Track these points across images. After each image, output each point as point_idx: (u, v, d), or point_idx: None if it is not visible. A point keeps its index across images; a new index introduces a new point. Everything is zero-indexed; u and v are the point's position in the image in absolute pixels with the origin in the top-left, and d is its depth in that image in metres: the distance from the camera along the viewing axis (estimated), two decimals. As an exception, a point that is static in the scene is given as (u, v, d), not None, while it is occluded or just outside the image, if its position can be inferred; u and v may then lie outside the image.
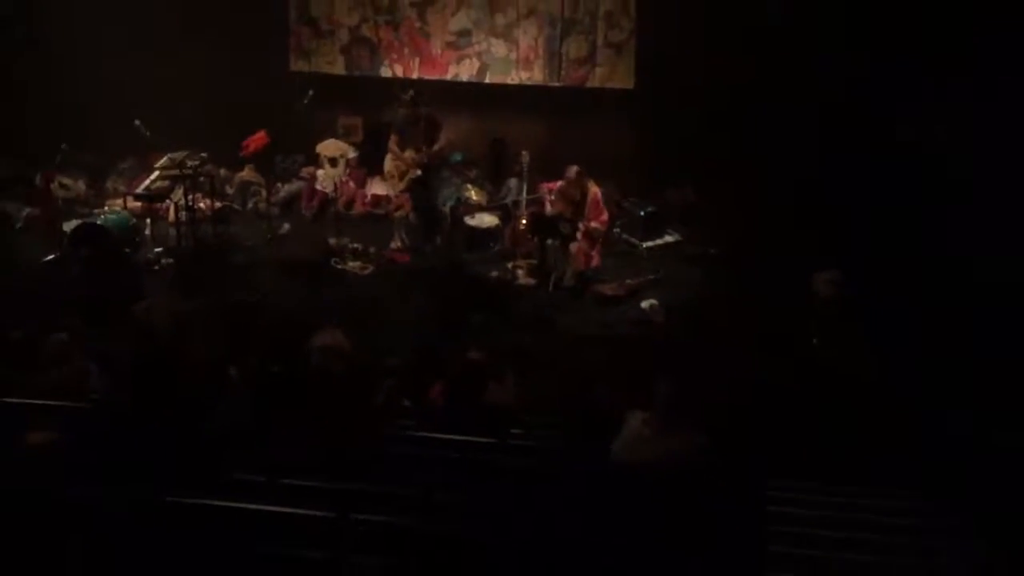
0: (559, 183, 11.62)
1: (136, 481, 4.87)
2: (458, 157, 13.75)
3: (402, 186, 12.23)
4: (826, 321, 8.61)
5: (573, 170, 11.37)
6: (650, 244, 12.25)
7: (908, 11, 10.83)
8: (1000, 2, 9.98)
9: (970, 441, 7.31)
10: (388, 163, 12.32)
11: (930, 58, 10.59)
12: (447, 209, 12.86)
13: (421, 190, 12.13)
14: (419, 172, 11.94)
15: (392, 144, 12.13)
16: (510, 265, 11.83)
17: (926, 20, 10.59)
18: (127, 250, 11.75)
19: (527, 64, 14.51)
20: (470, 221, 12.53)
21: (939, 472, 7.07)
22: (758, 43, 11.99)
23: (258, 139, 13.44)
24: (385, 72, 14.90)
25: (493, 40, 14.50)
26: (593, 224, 11.35)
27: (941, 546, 6.10)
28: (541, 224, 11.48)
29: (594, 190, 11.39)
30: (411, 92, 12.03)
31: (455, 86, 14.63)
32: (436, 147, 11.90)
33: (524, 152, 12.39)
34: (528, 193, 12.24)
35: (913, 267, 9.88)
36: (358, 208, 13.41)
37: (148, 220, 12.38)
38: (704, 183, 12.84)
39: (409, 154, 11.92)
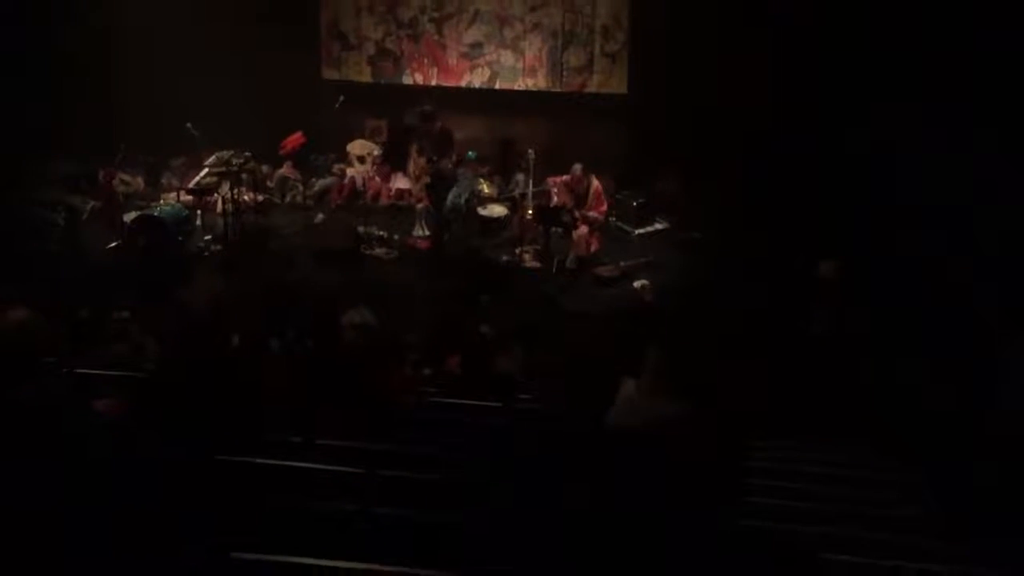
0: (564, 177, 11.64)
1: (188, 442, 4.89)
2: (471, 155, 13.72)
3: (418, 187, 12.30)
4: (828, 300, 8.67)
5: (578, 167, 11.44)
6: (642, 231, 12.24)
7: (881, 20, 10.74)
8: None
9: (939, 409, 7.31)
10: (411, 164, 12.45)
11: (900, 61, 10.49)
12: (462, 201, 12.87)
13: (432, 194, 12.13)
14: (428, 179, 11.96)
15: (413, 149, 12.19)
16: (518, 250, 11.83)
17: (898, 28, 10.48)
18: (180, 238, 11.77)
19: (532, 72, 14.51)
20: (482, 211, 12.55)
21: (906, 433, 7.09)
22: (737, 51, 11.97)
23: (295, 139, 13.49)
24: (407, 80, 14.91)
25: (502, 51, 14.51)
26: (593, 214, 11.39)
27: (900, 497, 6.11)
28: (546, 214, 11.50)
29: (596, 184, 11.46)
30: (428, 107, 12.00)
31: (469, 92, 14.66)
32: (443, 161, 11.87)
33: (530, 150, 12.37)
34: (534, 186, 12.23)
35: (873, 253, 9.84)
36: (383, 200, 13.40)
37: (199, 212, 12.42)
38: (689, 177, 12.83)
39: (422, 161, 11.97)
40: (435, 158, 11.86)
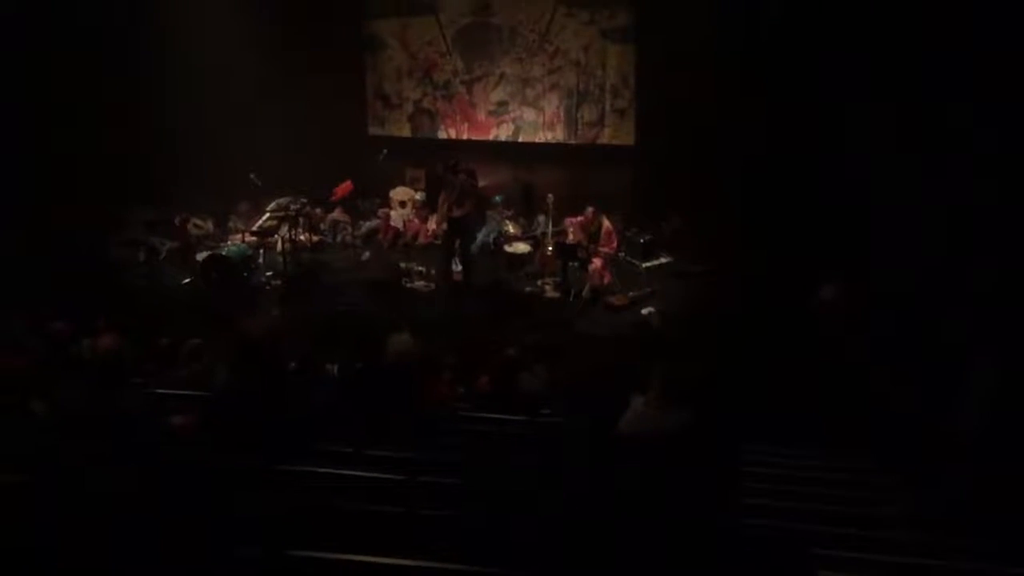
0: (579, 218, 11.64)
1: (252, 452, 4.91)
2: (498, 199, 13.79)
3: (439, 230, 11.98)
4: (830, 322, 8.60)
5: (590, 210, 11.46)
6: (648, 265, 12.19)
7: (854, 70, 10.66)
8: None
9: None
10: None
11: (887, 105, 10.34)
12: (491, 239, 12.90)
13: (447, 239, 11.80)
14: (445, 226, 11.61)
15: (441, 197, 11.93)
16: (540, 282, 11.84)
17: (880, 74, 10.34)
18: (245, 275, 11.83)
19: (551, 126, 14.59)
20: (508, 248, 12.56)
21: (888, 440, 7.03)
22: (729, 107, 11.96)
23: (345, 187, 13.59)
24: (442, 135, 15.05)
25: (524, 108, 14.62)
26: (605, 250, 11.39)
27: (881, 497, 6.05)
28: (564, 251, 11.49)
29: (607, 224, 11.45)
30: (451, 162, 11.74)
31: (496, 144, 14.76)
32: (458, 212, 11.44)
33: (549, 195, 12.40)
34: (553, 226, 12.25)
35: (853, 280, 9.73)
36: (422, 240, 13.40)
37: (261, 251, 12.49)
38: (689, 218, 12.83)
39: (444, 208, 11.66)
40: (450, 206, 11.48)
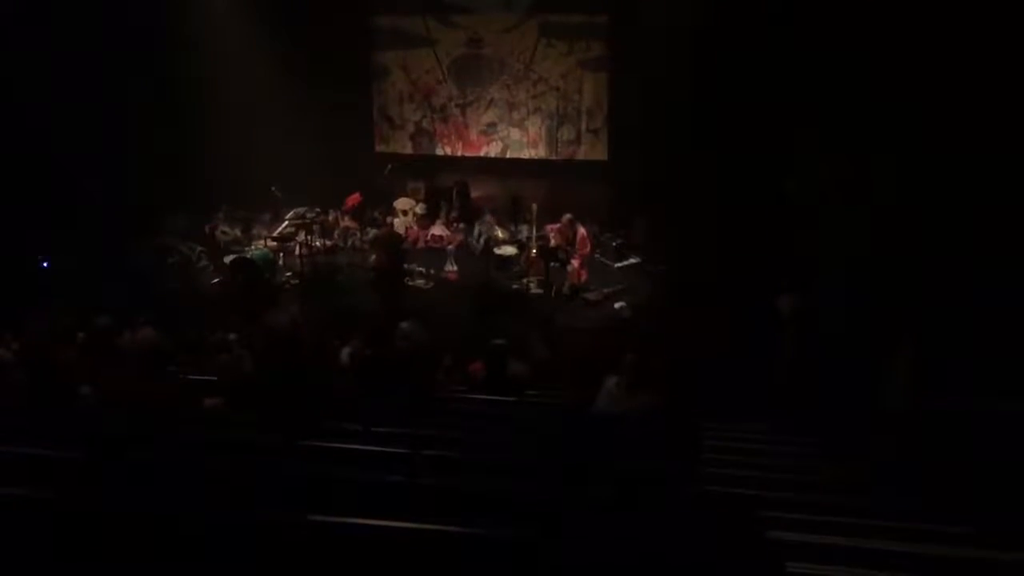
0: (558, 225, 11.67)
1: (275, 430, 4.91)
2: (486, 209, 13.85)
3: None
4: (788, 327, 8.60)
5: (566, 217, 11.48)
6: (620, 265, 12.24)
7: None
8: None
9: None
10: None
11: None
12: (482, 243, 12.92)
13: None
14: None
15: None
16: (525, 280, 11.86)
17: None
18: (267, 275, 11.83)
19: (534, 145, 14.60)
20: (497, 251, 12.57)
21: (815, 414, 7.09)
22: (688, 128, 11.99)
23: (354, 198, 13.59)
24: (439, 152, 15.04)
25: (512, 129, 14.63)
26: (582, 252, 11.41)
27: (820, 465, 6.11)
28: (546, 253, 11.52)
29: (581, 231, 11.46)
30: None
31: (486, 161, 14.77)
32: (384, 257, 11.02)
33: (533, 204, 12.46)
34: (536, 232, 12.27)
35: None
36: (422, 244, 13.43)
37: (281, 254, 12.48)
38: (655, 224, 12.86)
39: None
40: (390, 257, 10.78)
